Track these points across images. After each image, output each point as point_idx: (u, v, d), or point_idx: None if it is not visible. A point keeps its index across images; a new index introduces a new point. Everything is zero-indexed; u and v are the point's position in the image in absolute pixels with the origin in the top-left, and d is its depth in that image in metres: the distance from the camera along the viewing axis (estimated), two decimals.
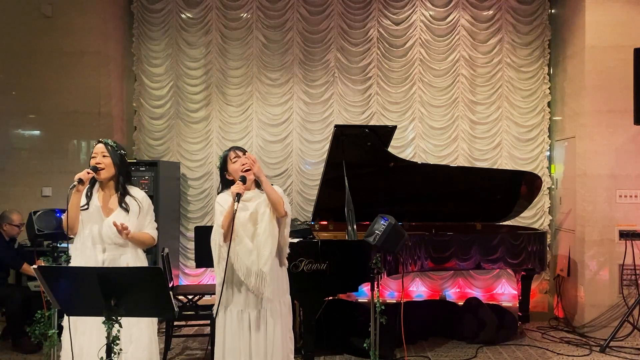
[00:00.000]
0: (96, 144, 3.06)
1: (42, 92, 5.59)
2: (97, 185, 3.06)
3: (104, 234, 2.95)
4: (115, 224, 2.89)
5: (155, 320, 3.12)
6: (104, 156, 3.01)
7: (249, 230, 2.93)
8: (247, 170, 2.93)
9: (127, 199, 3.05)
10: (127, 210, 3.01)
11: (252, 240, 2.92)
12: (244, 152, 3.04)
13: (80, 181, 2.87)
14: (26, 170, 5.59)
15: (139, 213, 3.06)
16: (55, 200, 5.40)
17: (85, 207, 2.98)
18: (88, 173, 2.92)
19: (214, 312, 2.97)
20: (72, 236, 3.02)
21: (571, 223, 5.55)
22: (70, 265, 2.97)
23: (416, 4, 6.06)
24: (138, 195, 3.09)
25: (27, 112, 5.65)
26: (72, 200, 2.88)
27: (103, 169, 2.99)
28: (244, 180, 2.89)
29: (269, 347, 2.91)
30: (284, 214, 2.96)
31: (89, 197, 3.00)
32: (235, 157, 3.00)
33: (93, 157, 3.01)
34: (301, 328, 4.17)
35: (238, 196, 2.77)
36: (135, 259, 3.04)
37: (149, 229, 3.12)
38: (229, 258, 2.83)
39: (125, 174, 3.10)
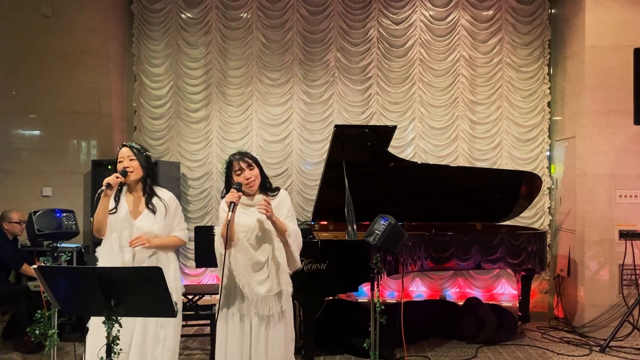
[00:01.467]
0: (120, 148, 3.06)
1: (42, 92, 5.60)
2: (124, 189, 3.06)
3: (133, 236, 2.94)
4: (131, 243, 2.89)
5: (180, 321, 3.11)
6: (130, 160, 3.01)
7: (254, 238, 2.88)
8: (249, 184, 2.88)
9: (154, 200, 3.04)
10: (153, 211, 3.00)
11: (256, 249, 2.87)
12: (250, 161, 2.92)
13: (109, 186, 2.87)
14: (26, 170, 5.60)
15: (166, 214, 3.04)
16: (55, 200, 5.41)
17: (114, 210, 2.99)
18: (117, 177, 2.91)
19: (216, 313, 2.96)
20: (101, 238, 3.03)
21: (571, 223, 5.55)
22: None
23: (416, 4, 6.06)
24: (165, 196, 3.08)
25: (27, 112, 5.65)
26: (101, 204, 2.89)
27: (132, 172, 2.99)
28: (238, 187, 2.81)
29: (270, 352, 2.87)
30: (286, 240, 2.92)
31: (117, 201, 3.00)
32: (239, 170, 2.89)
33: (120, 162, 3.01)
34: (301, 328, 4.17)
35: (232, 205, 2.72)
36: (165, 260, 3.03)
37: (177, 231, 3.10)
38: (230, 264, 2.80)
39: (152, 175, 3.10)
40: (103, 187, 2.85)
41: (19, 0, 5.59)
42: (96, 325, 2.87)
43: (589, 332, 5.12)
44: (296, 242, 2.97)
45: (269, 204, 2.80)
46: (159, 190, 3.10)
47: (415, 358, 4.50)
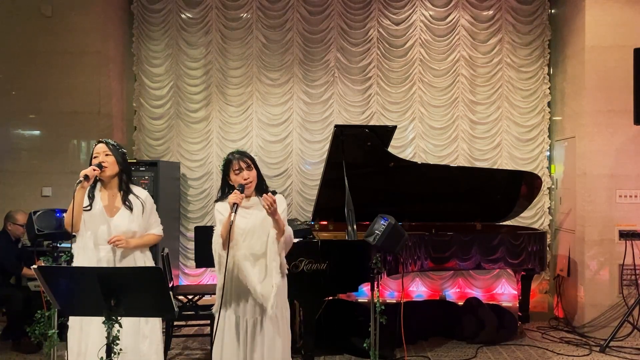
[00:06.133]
0: (96, 145, 3.07)
1: (42, 92, 5.59)
2: (98, 186, 3.06)
3: (110, 234, 2.95)
4: (110, 241, 2.90)
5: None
6: (106, 155, 3.02)
7: (249, 240, 2.86)
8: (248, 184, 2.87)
9: (131, 197, 3.06)
10: (130, 208, 3.01)
11: (250, 252, 2.85)
12: (249, 162, 2.91)
13: (86, 177, 2.87)
14: (26, 170, 5.59)
15: (143, 212, 3.06)
16: (55, 200, 5.40)
17: (88, 208, 2.98)
18: (94, 170, 2.93)
19: (215, 313, 2.95)
20: (74, 234, 3.01)
21: (571, 223, 5.55)
22: (72, 264, 2.97)
23: (416, 4, 6.06)
24: (141, 194, 3.10)
25: (27, 112, 5.65)
26: (77, 197, 2.88)
27: (107, 167, 3.00)
28: (241, 189, 2.81)
29: (267, 354, 2.85)
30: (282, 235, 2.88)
31: (91, 198, 3.00)
32: (238, 169, 2.88)
33: (95, 157, 3.01)
34: (301, 328, 4.17)
35: (235, 206, 2.71)
36: (141, 259, 3.05)
37: (153, 229, 3.13)
38: (227, 265, 2.77)
39: (128, 172, 3.11)
40: (80, 179, 2.85)
41: (19, 0, 5.59)
42: (77, 323, 2.89)
43: (589, 332, 5.12)
44: (288, 243, 2.95)
45: (275, 201, 2.77)
46: (135, 189, 3.11)
47: (415, 358, 4.50)
